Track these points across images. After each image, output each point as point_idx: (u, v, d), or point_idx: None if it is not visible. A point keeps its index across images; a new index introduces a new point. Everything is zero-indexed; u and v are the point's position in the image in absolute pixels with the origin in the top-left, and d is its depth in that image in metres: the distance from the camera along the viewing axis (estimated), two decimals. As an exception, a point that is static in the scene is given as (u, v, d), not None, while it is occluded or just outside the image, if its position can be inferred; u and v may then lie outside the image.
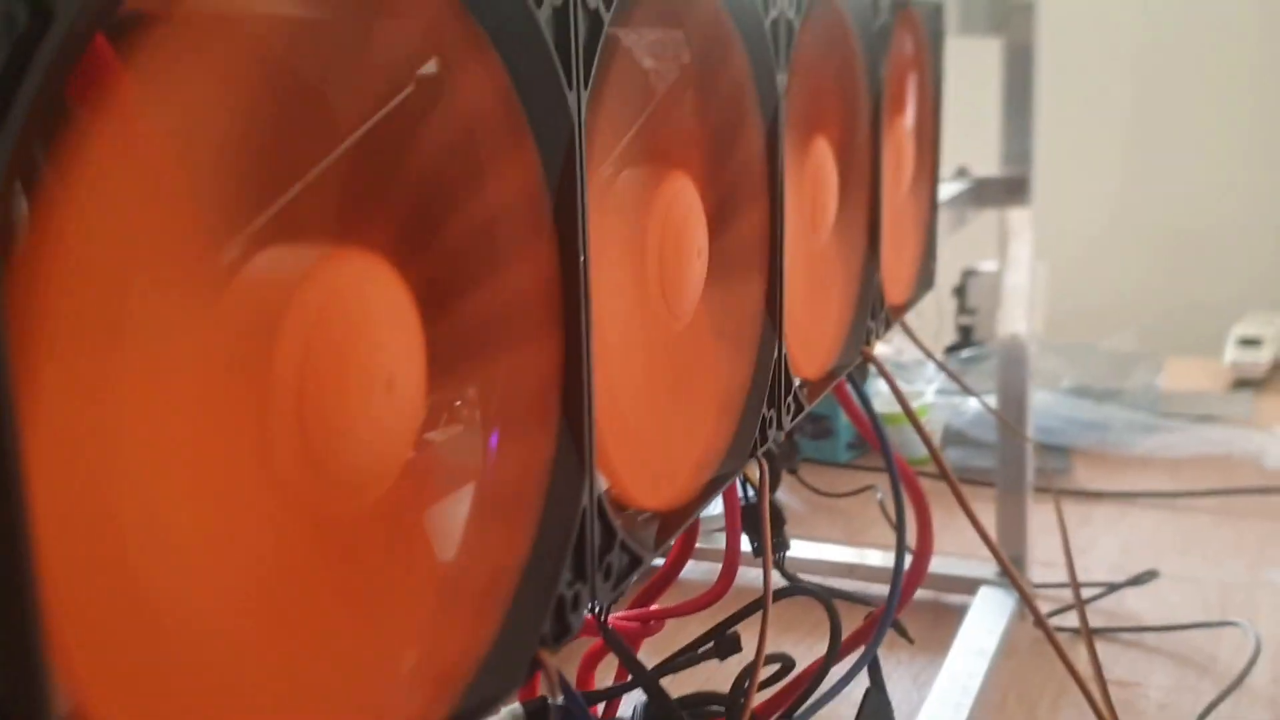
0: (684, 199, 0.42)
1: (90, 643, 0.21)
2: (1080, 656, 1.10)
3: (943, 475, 0.74)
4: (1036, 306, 1.26)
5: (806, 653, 0.80)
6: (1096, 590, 1.17)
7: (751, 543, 0.81)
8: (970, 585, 1.19)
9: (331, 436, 0.26)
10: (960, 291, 1.83)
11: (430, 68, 0.30)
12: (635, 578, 0.38)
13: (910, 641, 0.91)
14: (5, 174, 0.19)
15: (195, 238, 0.24)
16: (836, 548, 1.31)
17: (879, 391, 1.38)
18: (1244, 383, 1.74)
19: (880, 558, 1.27)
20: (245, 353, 0.24)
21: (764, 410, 0.50)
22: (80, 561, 0.21)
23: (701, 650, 0.80)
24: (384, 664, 0.29)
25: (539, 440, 0.33)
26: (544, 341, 0.33)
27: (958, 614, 1.15)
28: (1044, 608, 1.18)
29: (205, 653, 0.24)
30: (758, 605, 0.78)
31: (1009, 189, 1.15)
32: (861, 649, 0.87)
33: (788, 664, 0.82)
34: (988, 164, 1.18)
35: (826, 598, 0.76)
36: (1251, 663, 1.00)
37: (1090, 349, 1.75)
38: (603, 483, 0.37)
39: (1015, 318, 1.16)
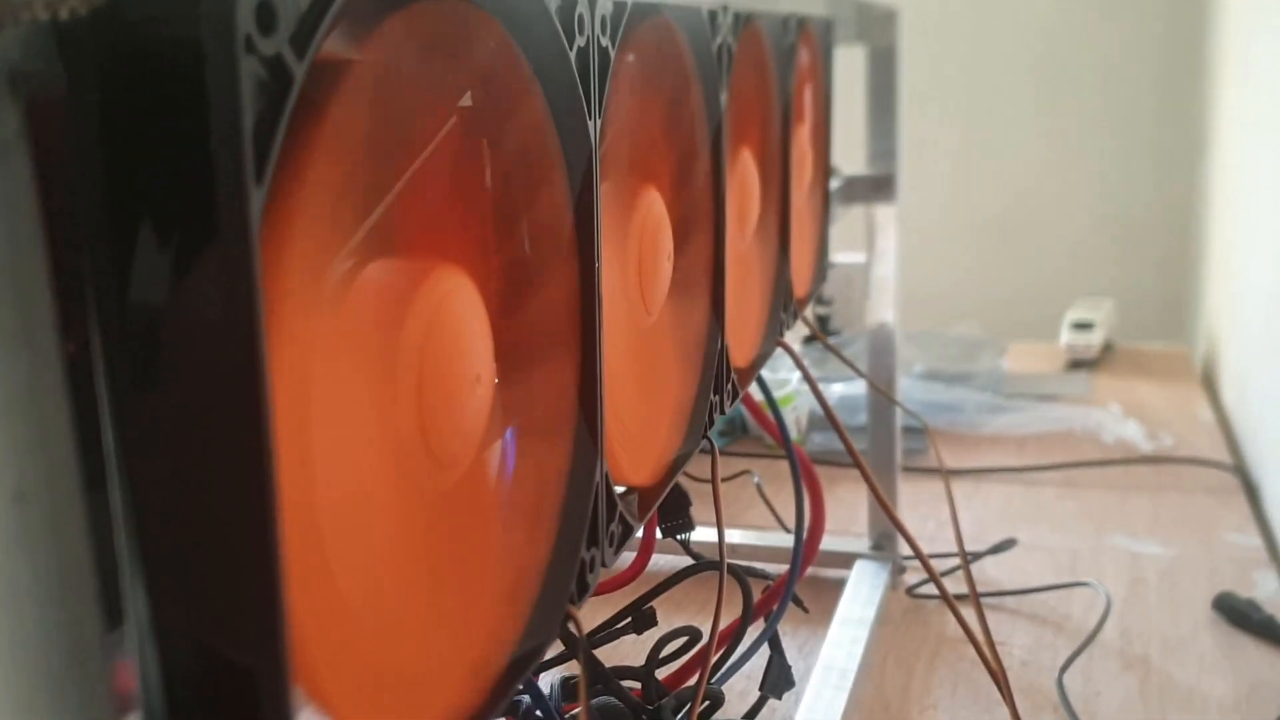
0: (656, 210, 0.46)
1: (303, 599, 0.24)
2: (948, 621, 1.19)
3: (853, 460, 0.81)
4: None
5: (706, 625, 0.85)
6: (959, 560, 1.26)
7: (661, 526, 0.86)
8: (846, 560, 1.27)
9: (440, 420, 0.30)
10: (817, 283, 1.92)
11: (470, 100, 0.33)
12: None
13: (806, 611, 0.97)
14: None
15: (343, 236, 0.27)
16: (729, 531, 1.36)
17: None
18: (1078, 363, 1.87)
19: (758, 537, 1.34)
20: (374, 345, 0.28)
21: (711, 396, 0.54)
22: (293, 527, 0.24)
23: (620, 625, 0.85)
24: (469, 613, 0.32)
25: (562, 425, 0.37)
26: (568, 342, 0.37)
27: (835, 587, 1.23)
28: (912, 579, 1.27)
29: (365, 604, 0.27)
30: (669, 583, 0.84)
31: (876, 186, 1.22)
32: (760, 620, 0.94)
33: (695, 635, 0.87)
34: (853, 164, 1.25)
35: (740, 572, 0.82)
36: (1104, 618, 1.10)
37: (938, 336, 1.86)
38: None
39: (884, 306, 1.24)
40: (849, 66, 1.24)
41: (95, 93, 0.21)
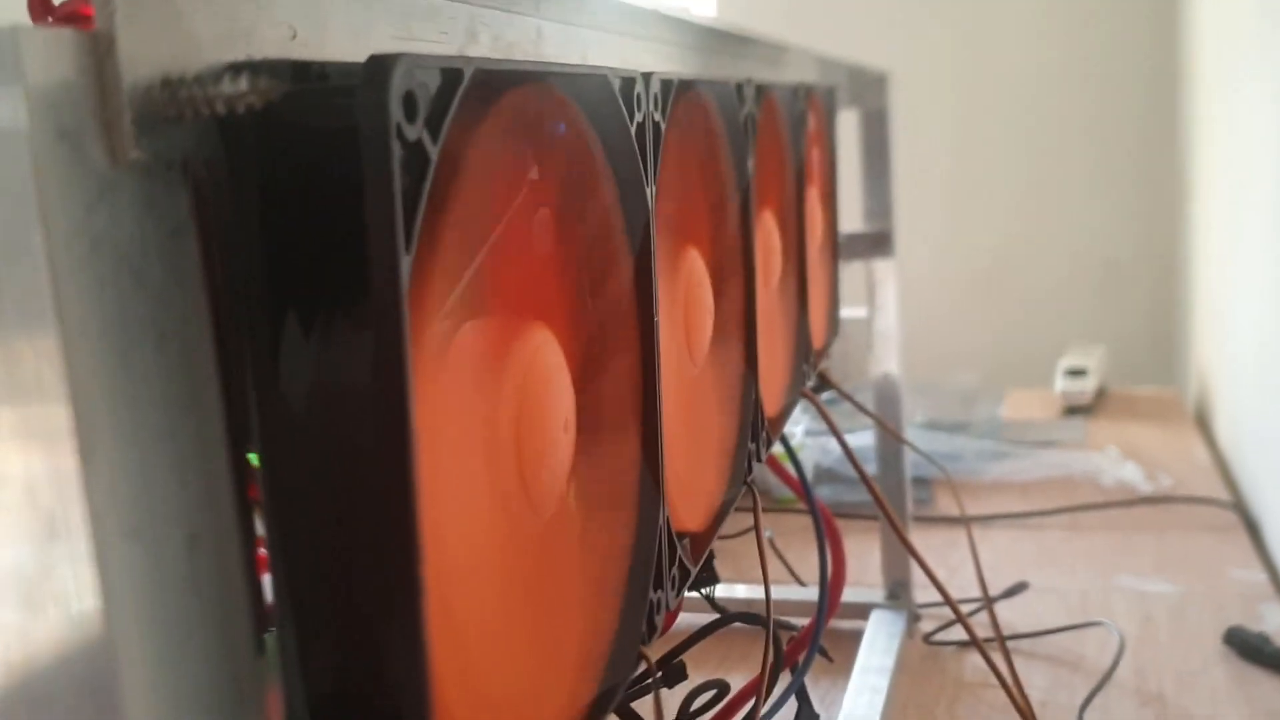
0: (698, 268, 0.49)
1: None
2: (965, 667, 1.20)
3: (881, 511, 0.83)
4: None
5: (728, 677, 0.87)
6: (975, 605, 1.27)
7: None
8: (862, 610, 1.28)
9: (534, 464, 0.32)
10: (813, 339, 1.95)
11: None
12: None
13: (830, 660, 0.99)
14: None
15: (450, 298, 0.30)
16: (734, 585, 1.38)
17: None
18: (1074, 409, 1.90)
19: (775, 591, 1.35)
20: (477, 395, 0.30)
21: (749, 444, 0.57)
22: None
23: (650, 680, 0.86)
24: (560, 653, 0.34)
25: (628, 471, 0.39)
26: (632, 390, 0.39)
27: (852, 638, 1.24)
28: (927, 626, 1.28)
29: (480, 644, 0.29)
30: (700, 636, 0.85)
31: (874, 242, 1.26)
32: (786, 672, 0.95)
33: (723, 688, 0.89)
34: (849, 221, 1.29)
35: (769, 624, 0.84)
36: (1118, 658, 1.11)
37: (936, 386, 1.89)
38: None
39: (888, 358, 1.27)
40: (842, 128, 1.28)
41: (256, 176, 0.24)
